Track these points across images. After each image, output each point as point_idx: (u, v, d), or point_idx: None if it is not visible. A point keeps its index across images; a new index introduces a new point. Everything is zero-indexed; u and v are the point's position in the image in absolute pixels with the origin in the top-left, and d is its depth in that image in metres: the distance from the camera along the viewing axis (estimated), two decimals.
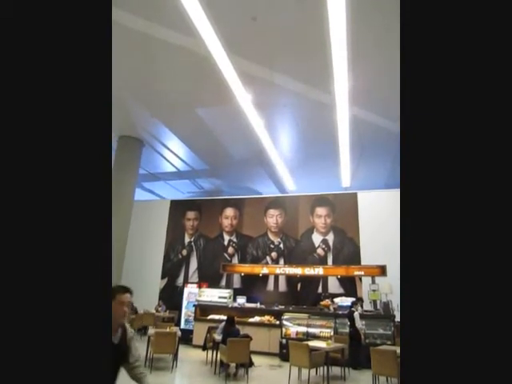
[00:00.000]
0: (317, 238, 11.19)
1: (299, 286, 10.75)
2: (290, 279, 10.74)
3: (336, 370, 6.50)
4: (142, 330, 10.10)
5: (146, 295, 11.71)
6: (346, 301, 8.72)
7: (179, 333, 6.95)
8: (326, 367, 5.96)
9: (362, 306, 8.18)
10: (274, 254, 11.43)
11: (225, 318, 7.19)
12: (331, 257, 10.86)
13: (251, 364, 6.60)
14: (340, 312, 8.34)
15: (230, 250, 11.94)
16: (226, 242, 12.07)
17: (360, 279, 10.07)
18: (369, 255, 10.24)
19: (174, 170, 11.74)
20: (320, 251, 11.02)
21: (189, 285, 11.05)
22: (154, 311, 10.64)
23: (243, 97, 6.99)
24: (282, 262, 11.23)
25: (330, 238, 11.06)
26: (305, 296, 10.47)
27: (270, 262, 11.34)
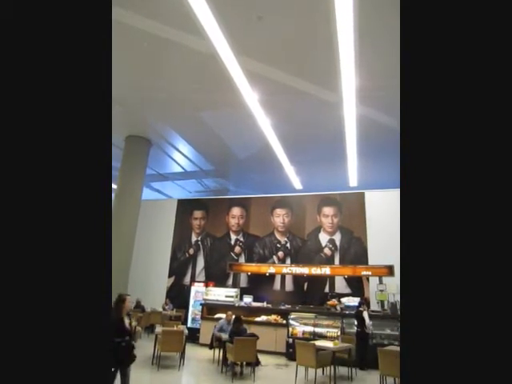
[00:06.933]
0: (324, 238, 11.15)
1: (306, 285, 10.73)
2: (297, 279, 10.72)
3: (343, 370, 6.48)
4: (150, 329, 10.18)
5: (153, 294, 11.81)
6: (353, 301, 8.68)
7: (186, 331, 6.99)
8: (332, 367, 5.94)
9: (368, 306, 8.12)
10: (280, 254, 11.43)
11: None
12: (338, 256, 10.81)
13: (258, 363, 6.62)
14: (347, 312, 8.31)
15: (237, 249, 11.97)
16: (232, 242, 12.10)
17: (367, 279, 10.01)
18: (376, 255, 10.16)
19: (181, 170, 11.82)
20: (327, 251, 10.98)
21: (196, 284, 11.11)
22: (161, 310, 10.72)
23: (249, 96, 7.00)
24: (288, 261, 11.22)
25: (337, 237, 11.01)
26: (311, 296, 10.44)
27: (276, 261, 11.33)
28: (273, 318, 8.83)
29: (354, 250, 10.69)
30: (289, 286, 10.91)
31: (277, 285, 11.00)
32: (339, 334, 7.75)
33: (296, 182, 11.91)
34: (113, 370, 3.41)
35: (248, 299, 9.81)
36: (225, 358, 6.51)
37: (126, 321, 3.76)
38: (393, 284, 8.63)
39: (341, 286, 10.33)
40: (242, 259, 11.79)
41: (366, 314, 7.26)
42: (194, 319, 10.44)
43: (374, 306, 9.05)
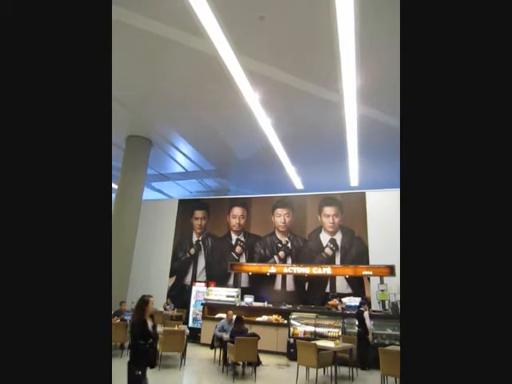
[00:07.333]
0: (325, 238, 11.14)
1: (307, 285, 10.72)
2: (298, 278, 10.72)
3: (344, 370, 6.47)
4: None
5: (154, 293, 11.72)
6: (354, 301, 8.68)
7: (187, 331, 7.00)
8: (333, 367, 5.94)
9: (369, 306, 8.13)
10: (281, 254, 11.43)
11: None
12: (339, 256, 10.80)
13: (259, 363, 6.62)
14: (348, 312, 8.31)
15: (238, 249, 11.97)
16: (233, 241, 12.10)
17: (368, 279, 10.01)
18: (377, 255, 10.15)
19: (181, 169, 11.83)
20: (328, 251, 10.97)
21: (197, 283, 11.12)
22: (162, 309, 10.72)
23: (250, 96, 7.00)
24: (289, 261, 11.22)
25: (338, 237, 11.00)
26: (312, 295, 10.44)
27: (277, 261, 11.33)
28: (274, 317, 8.83)
29: (355, 249, 10.68)
30: (290, 286, 10.90)
31: (278, 285, 10.99)
32: (340, 333, 7.75)
33: (297, 182, 11.90)
34: (140, 373, 3.28)
35: (249, 299, 9.81)
36: (226, 358, 6.52)
37: (149, 323, 3.59)
38: (394, 284, 8.63)
39: (342, 285, 10.32)
40: (242, 259, 11.79)
41: (366, 314, 7.24)
42: (195, 319, 10.45)
43: (375, 306, 9.05)
